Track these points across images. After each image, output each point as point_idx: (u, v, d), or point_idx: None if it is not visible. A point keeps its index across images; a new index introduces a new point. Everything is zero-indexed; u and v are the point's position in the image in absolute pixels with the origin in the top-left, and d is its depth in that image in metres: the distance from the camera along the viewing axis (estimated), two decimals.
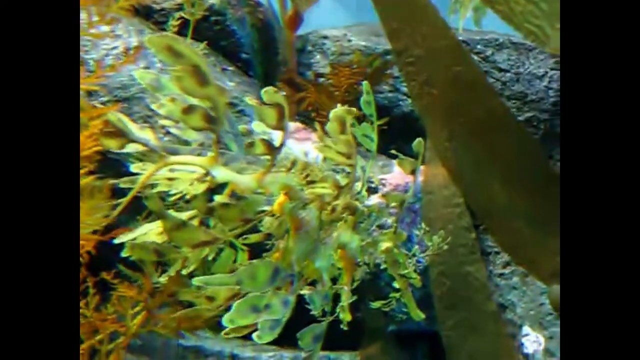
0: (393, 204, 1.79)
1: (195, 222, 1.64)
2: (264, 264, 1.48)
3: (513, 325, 2.58)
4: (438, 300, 2.51)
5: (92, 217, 1.50)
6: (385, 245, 1.70)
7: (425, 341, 2.71)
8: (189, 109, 1.41)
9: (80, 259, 1.71)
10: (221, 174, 1.51)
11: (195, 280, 1.43)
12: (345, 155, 1.66)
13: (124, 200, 1.52)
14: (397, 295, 1.75)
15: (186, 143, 1.74)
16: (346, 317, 1.59)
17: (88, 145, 1.44)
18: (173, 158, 1.53)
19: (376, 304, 1.78)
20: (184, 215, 1.59)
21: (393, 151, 1.81)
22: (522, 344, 2.53)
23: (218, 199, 1.53)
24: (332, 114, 1.60)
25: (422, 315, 1.72)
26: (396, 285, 1.75)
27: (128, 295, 1.65)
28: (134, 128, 1.56)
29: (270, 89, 1.49)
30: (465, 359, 2.39)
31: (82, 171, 1.46)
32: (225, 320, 1.42)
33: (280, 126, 1.50)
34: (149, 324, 1.73)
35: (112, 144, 1.52)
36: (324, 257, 1.59)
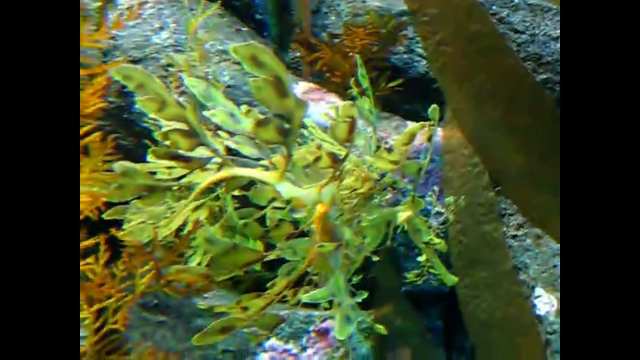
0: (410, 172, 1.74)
1: (204, 212, 1.64)
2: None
3: (526, 286, 2.53)
4: (455, 259, 2.47)
5: (96, 174, 1.47)
6: (404, 214, 1.66)
7: (439, 301, 2.67)
8: (263, 122, 1.38)
9: (91, 214, 1.68)
10: (287, 189, 1.50)
11: (305, 298, 1.49)
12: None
13: (180, 206, 1.55)
14: (425, 261, 1.72)
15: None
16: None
17: (92, 102, 1.40)
18: (239, 170, 1.53)
19: (411, 276, 1.77)
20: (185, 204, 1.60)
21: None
22: (535, 305, 2.49)
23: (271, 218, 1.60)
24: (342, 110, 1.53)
25: (455, 279, 1.69)
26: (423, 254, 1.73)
27: (137, 253, 1.61)
28: (207, 133, 1.55)
29: (348, 103, 1.48)
30: (481, 317, 2.35)
31: (86, 128, 1.42)
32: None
33: (349, 139, 1.48)
34: (158, 283, 1.69)
35: (182, 143, 1.50)
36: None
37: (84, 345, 1.74)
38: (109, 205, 1.59)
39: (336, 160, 1.48)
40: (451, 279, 1.70)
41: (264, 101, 1.37)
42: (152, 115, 1.52)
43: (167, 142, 1.51)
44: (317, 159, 1.48)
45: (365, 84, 1.72)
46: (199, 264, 1.71)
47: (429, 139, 1.85)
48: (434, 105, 1.73)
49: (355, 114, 1.48)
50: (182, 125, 1.49)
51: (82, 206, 1.68)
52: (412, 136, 1.61)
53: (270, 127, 1.39)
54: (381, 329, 1.67)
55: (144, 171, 1.54)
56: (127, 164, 1.52)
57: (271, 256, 1.55)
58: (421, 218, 1.68)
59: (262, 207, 1.75)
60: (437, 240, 1.68)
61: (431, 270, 1.76)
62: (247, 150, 1.66)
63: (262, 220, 1.72)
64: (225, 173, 1.53)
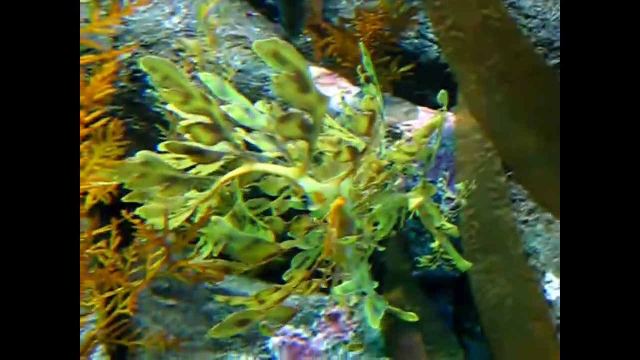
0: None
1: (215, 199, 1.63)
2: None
3: (536, 272, 2.52)
4: (467, 244, 2.45)
5: (106, 160, 1.46)
6: (416, 200, 1.66)
7: (450, 287, 2.67)
8: (285, 118, 1.38)
9: (104, 199, 1.68)
10: (309, 184, 1.49)
11: (338, 290, 1.50)
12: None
13: (198, 198, 1.53)
14: (438, 247, 1.72)
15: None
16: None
17: (101, 88, 1.39)
18: (260, 165, 1.52)
19: (424, 261, 1.76)
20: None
21: None
22: (545, 291, 2.48)
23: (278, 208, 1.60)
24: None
25: (469, 265, 1.68)
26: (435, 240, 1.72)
27: (148, 238, 1.61)
28: (228, 127, 1.52)
29: (368, 96, 1.49)
30: (493, 302, 2.35)
31: (95, 114, 1.41)
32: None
33: (369, 132, 1.49)
34: (169, 270, 1.69)
35: (204, 138, 1.48)
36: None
37: (94, 329, 1.75)
38: (124, 191, 1.59)
39: (356, 154, 1.47)
40: (465, 265, 1.70)
41: (286, 97, 1.36)
42: (171, 108, 1.51)
43: (188, 136, 1.49)
44: (338, 154, 1.47)
45: (371, 71, 1.71)
46: (211, 253, 1.70)
47: (439, 125, 1.85)
48: (442, 91, 1.70)
49: (376, 108, 1.49)
50: (205, 119, 1.48)
51: (94, 191, 1.69)
52: (434, 129, 1.60)
53: (293, 123, 1.39)
54: (412, 316, 1.67)
55: (167, 162, 1.52)
56: (150, 153, 1.51)
57: (284, 246, 1.54)
58: (433, 204, 1.67)
59: (271, 197, 1.75)
60: (449, 226, 1.67)
61: (444, 257, 1.75)
62: (265, 145, 1.65)
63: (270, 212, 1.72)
64: (247, 168, 1.51)
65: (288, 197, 1.71)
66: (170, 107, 1.56)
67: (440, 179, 2.54)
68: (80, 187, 1.48)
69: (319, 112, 1.39)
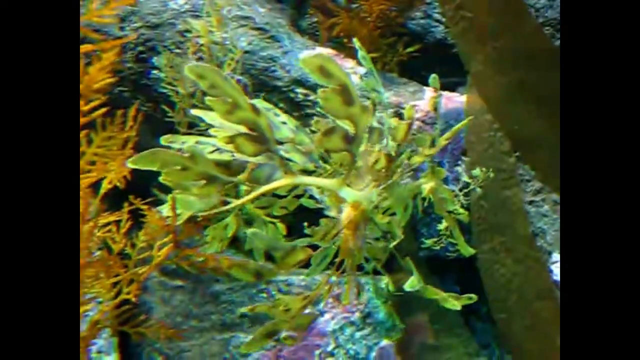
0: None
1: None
2: None
3: (543, 252, 2.51)
4: (475, 224, 2.44)
5: (107, 149, 1.45)
6: (428, 185, 1.66)
7: (457, 267, 2.66)
8: (329, 132, 1.40)
9: (119, 184, 1.67)
10: (349, 194, 1.51)
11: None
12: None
13: (237, 202, 1.52)
14: (444, 229, 1.72)
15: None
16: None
17: (100, 77, 1.37)
18: (303, 178, 1.52)
19: (429, 242, 1.76)
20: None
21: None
22: (552, 271, 2.46)
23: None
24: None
25: (472, 251, 1.68)
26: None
27: (157, 224, 1.60)
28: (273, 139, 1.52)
29: (409, 105, 1.56)
30: (500, 282, 2.34)
31: (94, 103, 1.39)
32: None
33: (407, 140, 1.55)
34: (176, 257, 1.69)
35: (247, 148, 1.46)
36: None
37: (97, 314, 1.75)
38: (137, 175, 1.58)
39: (391, 160, 1.50)
40: (468, 251, 1.70)
41: (331, 110, 1.38)
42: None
43: (230, 147, 1.47)
44: (376, 162, 1.51)
45: (368, 65, 1.71)
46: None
47: (435, 108, 1.86)
48: (433, 75, 1.76)
49: (413, 117, 1.55)
50: (247, 129, 1.45)
51: (110, 175, 1.68)
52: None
53: (336, 136, 1.40)
54: (455, 305, 1.67)
55: (209, 158, 1.50)
56: (196, 147, 1.48)
57: (303, 242, 1.57)
58: (445, 187, 1.67)
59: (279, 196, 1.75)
60: (461, 211, 1.68)
61: (450, 240, 1.75)
62: (297, 157, 1.64)
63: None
64: (289, 180, 1.50)
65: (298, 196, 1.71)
66: (213, 117, 1.55)
67: (447, 159, 2.52)
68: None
69: (362, 123, 1.40)
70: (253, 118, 1.43)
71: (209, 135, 1.67)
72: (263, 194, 1.53)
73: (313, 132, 1.75)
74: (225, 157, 1.65)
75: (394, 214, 1.61)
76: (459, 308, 1.67)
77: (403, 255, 1.69)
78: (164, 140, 1.83)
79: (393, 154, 1.51)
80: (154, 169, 1.46)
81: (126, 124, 1.67)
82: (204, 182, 1.48)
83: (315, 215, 1.64)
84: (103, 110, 1.42)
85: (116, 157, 1.65)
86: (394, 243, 1.62)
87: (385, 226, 1.59)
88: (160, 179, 1.52)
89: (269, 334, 1.55)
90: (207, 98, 1.41)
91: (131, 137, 1.70)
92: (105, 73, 1.43)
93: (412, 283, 1.61)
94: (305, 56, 1.34)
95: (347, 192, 1.50)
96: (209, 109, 1.45)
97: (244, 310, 1.60)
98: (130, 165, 1.44)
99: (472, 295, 1.66)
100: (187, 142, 1.75)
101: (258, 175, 1.55)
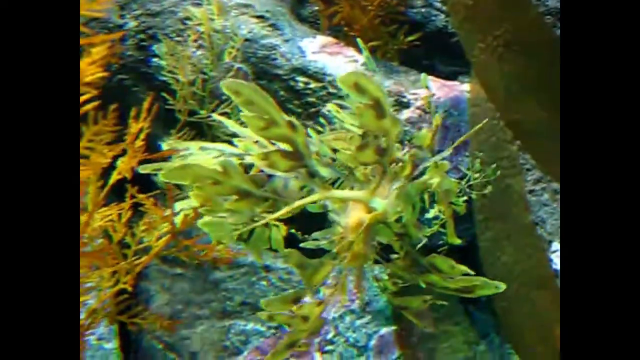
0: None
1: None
2: None
3: (543, 241, 2.50)
4: (478, 212, 2.44)
5: (97, 143, 1.43)
6: (435, 180, 1.66)
7: (456, 255, 2.64)
8: (363, 146, 1.44)
9: (127, 174, 1.67)
10: (380, 204, 1.51)
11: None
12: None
13: (270, 217, 1.52)
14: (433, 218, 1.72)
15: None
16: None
17: (90, 71, 1.35)
18: (336, 192, 1.53)
19: (427, 231, 1.77)
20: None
21: None
22: (552, 260, 2.46)
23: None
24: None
25: (459, 241, 1.68)
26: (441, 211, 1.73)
27: (157, 215, 1.60)
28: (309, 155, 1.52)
29: (438, 115, 1.61)
30: (501, 270, 2.33)
31: (84, 97, 1.37)
32: None
33: (431, 147, 1.59)
34: (175, 247, 1.69)
35: (281, 165, 1.47)
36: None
37: (94, 304, 1.75)
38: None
39: (416, 165, 1.53)
40: (456, 241, 1.70)
41: (364, 124, 1.42)
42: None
43: (264, 162, 1.46)
44: (402, 169, 1.51)
45: (371, 66, 1.72)
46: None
47: (429, 106, 1.88)
48: (423, 74, 1.80)
49: (439, 123, 1.59)
50: (285, 146, 1.45)
51: (120, 166, 1.67)
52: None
53: (369, 149, 1.44)
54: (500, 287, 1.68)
55: (244, 173, 1.48)
56: (230, 161, 1.47)
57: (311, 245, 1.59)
58: (451, 179, 1.67)
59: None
60: (460, 202, 1.69)
61: (441, 230, 1.76)
62: (324, 171, 1.64)
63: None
64: (322, 195, 1.50)
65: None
66: (233, 124, 1.54)
67: (458, 151, 2.52)
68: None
69: (393, 134, 1.43)
70: (290, 135, 1.43)
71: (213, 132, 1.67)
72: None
73: (319, 132, 1.75)
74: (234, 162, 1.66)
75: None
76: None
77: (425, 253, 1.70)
78: (166, 145, 1.84)
79: (418, 160, 1.53)
80: (186, 183, 1.45)
81: (129, 115, 1.66)
82: (236, 197, 1.47)
83: (312, 216, 1.64)
84: (95, 104, 1.41)
85: (128, 149, 1.65)
86: (419, 245, 1.63)
87: (398, 228, 1.59)
88: (191, 195, 1.51)
89: (290, 344, 1.58)
90: (242, 114, 1.41)
91: (144, 128, 1.70)
92: (97, 67, 1.41)
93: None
94: (342, 75, 1.37)
95: (378, 202, 1.51)
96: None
97: (261, 316, 1.60)
98: (162, 178, 1.43)
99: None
100: (190, 147, 1.75)
101: (275, 186, 1.54)
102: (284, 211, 1.49)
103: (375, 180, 1.51)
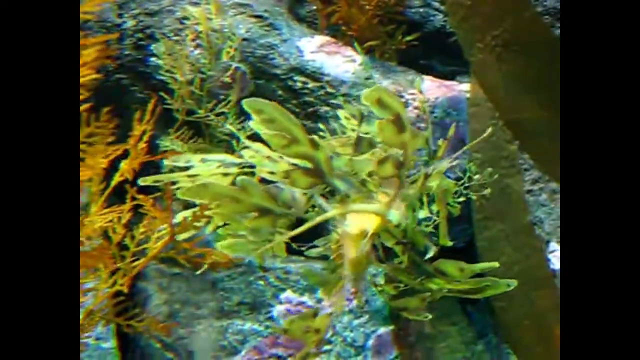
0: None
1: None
2: None
3: (541, 241, 2.50)
4: (476, 211, 2.43)
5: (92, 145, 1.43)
6: (434, 182, 1.66)
7: (454, 255, 2.64)
8: (384, 160, 1.43)
9: (129, 175, 1.66)
10: (396, 216, 1.50)
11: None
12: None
13: (289, 234, 1.50)
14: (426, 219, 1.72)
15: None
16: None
17: (82, 73, 1.35)
18: (354, 206, 1.50)
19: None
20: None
21: None
22: (549, 260, 2.46)
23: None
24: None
25: (450, 243, 1.68)
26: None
27: (156, 216, 1.59)
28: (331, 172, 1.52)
29: (453, 125, 1.64)
30: (499, 270, 2.33)
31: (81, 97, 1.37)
32: None
33: (442, 156, 1.61)
34: (173, 250, 1.68)
35: (302, 182, 1.46)
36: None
37: (90, 305, 1.74)
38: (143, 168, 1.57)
39: (428, 177, 1.52)
40: (447, 243, 1.70)
41: (385, 139, 1.42)
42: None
43: (285, 180, 1.46)
44: (423, 184, 1.52)
45: (367, 68, 1.73)
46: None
47: (424, 110, 1.89)
48: (417, 78, 1.76)
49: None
50: (305, 163, 1.44)
51: (123, 167, 1.67)
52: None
53: (389, 163, 1.43)
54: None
55: (264, 191, 1.47)
56: (249, 179, 1.46)
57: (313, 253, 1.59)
58: (449, 180, 1.67)
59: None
60: (455, 204, 1.70)
61: (432, 230, 1.76)
62: (340, 184, 1.64)
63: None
64: (342, 209, 1.48)
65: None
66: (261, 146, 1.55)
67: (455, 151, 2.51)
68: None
69: (411, 149, 1.44)
70: (311, 153, 1.42)
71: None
72: None
73: (322, 137, 1.75)
74: (234, 172, 1.66)
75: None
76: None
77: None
78: (168, 161, 1.84)
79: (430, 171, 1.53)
80: (204, 201, 1.46)
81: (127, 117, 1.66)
82: (255, 214, 1.47)
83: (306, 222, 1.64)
84: (87, 105, 1.40)
85: (130, 151, 1.65)
86: (430, 255, 1.63)
87: (399, 233, 1.60)
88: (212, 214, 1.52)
89: (304, 358, 1.57)
90: (263, 132, 1.40)
91: (147, 130, 1.70)
92: (89, 69, 1.40)
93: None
94: (367, 91, 1.38)
95: (394, 214, 1.49)
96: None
97: (275, 331, 1.62)
98: (180, 196, 1.43)
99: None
100: (192, 160, 1.75)
101: (284, 199, 1.54)
102: (304, 227, 1.48)
103: (391, 193, 1.50)
